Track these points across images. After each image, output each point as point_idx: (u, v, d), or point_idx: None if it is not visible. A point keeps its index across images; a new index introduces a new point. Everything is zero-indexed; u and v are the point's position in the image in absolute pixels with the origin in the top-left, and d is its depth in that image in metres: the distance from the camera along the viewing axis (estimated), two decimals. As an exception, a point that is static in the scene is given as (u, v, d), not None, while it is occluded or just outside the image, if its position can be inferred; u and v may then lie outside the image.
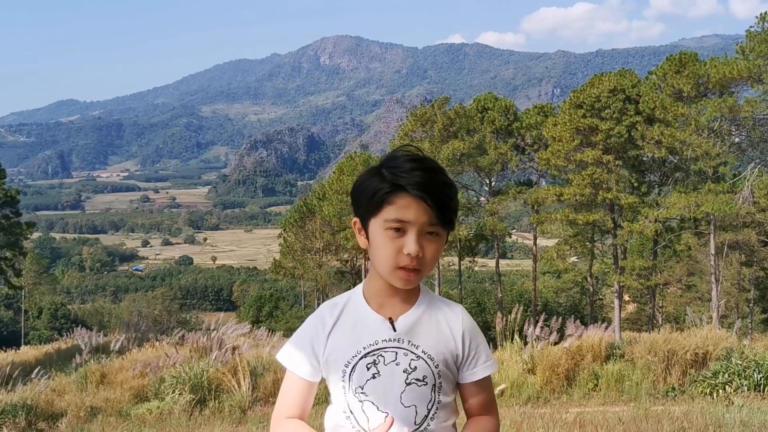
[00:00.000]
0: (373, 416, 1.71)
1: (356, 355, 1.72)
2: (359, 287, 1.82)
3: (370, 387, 1.71)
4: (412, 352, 1.73)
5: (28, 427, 10.36)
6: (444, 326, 1.79)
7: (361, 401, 1.72)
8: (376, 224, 1.70)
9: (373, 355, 1.72)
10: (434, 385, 1.74)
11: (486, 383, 1.85)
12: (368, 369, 1.72)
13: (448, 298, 1.91)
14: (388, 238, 1.67)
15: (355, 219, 1.77)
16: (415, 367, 1.72)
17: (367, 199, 1.70)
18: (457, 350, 1.78)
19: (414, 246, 1.65)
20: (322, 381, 1.81)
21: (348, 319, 1.77)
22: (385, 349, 1.72)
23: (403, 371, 1.72)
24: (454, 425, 1.82)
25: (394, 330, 1.74)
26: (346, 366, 1.73)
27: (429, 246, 1.68)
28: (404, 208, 1.65)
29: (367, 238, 1.73)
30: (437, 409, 1.75)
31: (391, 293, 1.76)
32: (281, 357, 1.81)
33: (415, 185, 1.65)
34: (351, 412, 1.73)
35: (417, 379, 1.72)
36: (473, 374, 1.81)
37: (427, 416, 1.74)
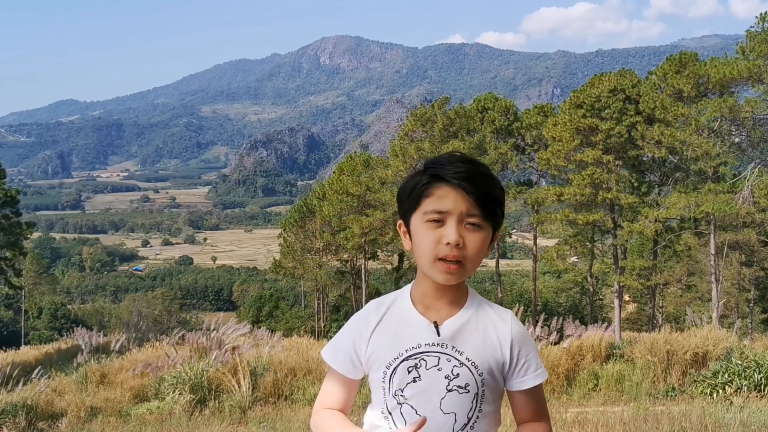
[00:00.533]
0: (411, 419, 1.68)
1: (398, 357, 1.69)
2: (407, 288, 1.78)
3: (410, 390, 1.69)
4: (455, 358, 1.69)
5: (28, 427, 10.34)
6: (491, 333, 1.73)
7: (399, 403, 1.70)
8: (416, 219, 1.67)
9: (415, 358, 1.69)
10: (477, 393, 1.70)
11: (536, 391, 1.79)
12: (409, 372, 1.69)
13: None
14: (427, 230, 1.64)
15: (400, 221, 1.74)
16: (458, 374, 1.68)
17: (407, 196, 1.69)
18: (504, 358, 1.73)
19: (453, 234, 1.61)
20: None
21: (392, 319, 1.73)
22: (428, 354, 1.69)
23: (445, 377, 1.68)
24: None
25: (439, 334, 1.69)
26: (387, 367, 1.70)
27: (470, 237, 1.63)
28: (442, 198, 1.63)
29: (411, 238, 1.70)
30: (478, 418, 1.70)
31: (438, 295, 1.72)
32: (325, 353, 1.81)
33: (454, 174, 1.63)
34: (389, 413, 1.71)
35: (459, 386, 1.68)
36: (522, 383, 1.76)
37: (466, 424, 1.69)
